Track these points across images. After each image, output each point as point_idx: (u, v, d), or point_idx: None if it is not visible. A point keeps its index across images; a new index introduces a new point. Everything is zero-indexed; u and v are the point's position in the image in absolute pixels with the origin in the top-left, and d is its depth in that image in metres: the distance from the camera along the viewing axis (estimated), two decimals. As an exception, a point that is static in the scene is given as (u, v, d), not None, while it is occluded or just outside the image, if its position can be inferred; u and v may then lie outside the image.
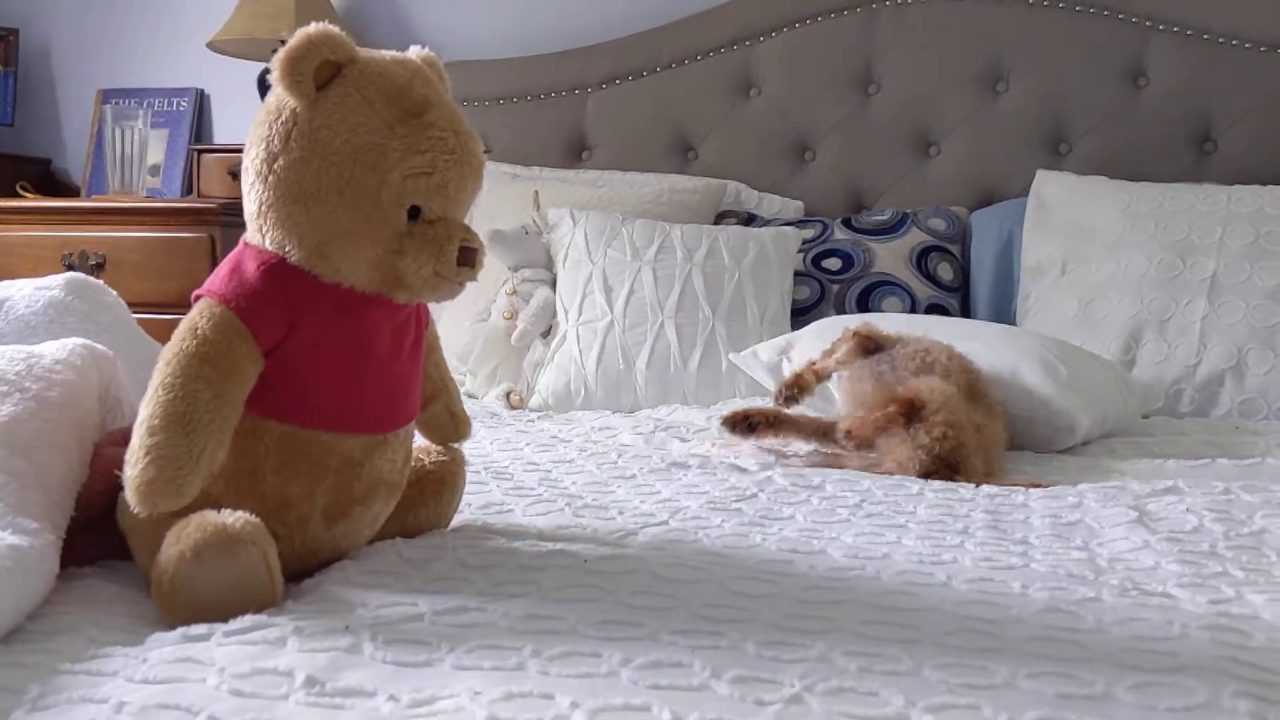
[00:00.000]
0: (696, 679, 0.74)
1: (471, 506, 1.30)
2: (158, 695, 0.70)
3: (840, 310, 2.47)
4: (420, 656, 0.78)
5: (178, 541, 0.89)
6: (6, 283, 1.37)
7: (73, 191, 3.49)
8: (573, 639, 0.81)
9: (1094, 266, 2.36)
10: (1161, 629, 0.88)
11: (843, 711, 0.70)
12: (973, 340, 1.87)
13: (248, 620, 0.84)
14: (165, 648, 0.79)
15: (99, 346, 1.16)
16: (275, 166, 0.97)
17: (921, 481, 1.53)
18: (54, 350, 1.11)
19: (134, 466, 0.91)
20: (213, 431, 0.92)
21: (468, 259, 1.00)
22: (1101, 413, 1.86)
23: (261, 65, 3.17)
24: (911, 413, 1.56)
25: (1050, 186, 2.54)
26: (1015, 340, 1.93)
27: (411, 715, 0.68)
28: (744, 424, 1.71)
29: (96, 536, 1.01)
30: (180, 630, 0.83)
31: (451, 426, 1.21)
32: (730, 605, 0.91)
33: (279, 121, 0.98)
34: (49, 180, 3.50)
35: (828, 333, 2.04)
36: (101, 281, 1.40)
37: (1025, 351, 1.86)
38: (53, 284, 1.36)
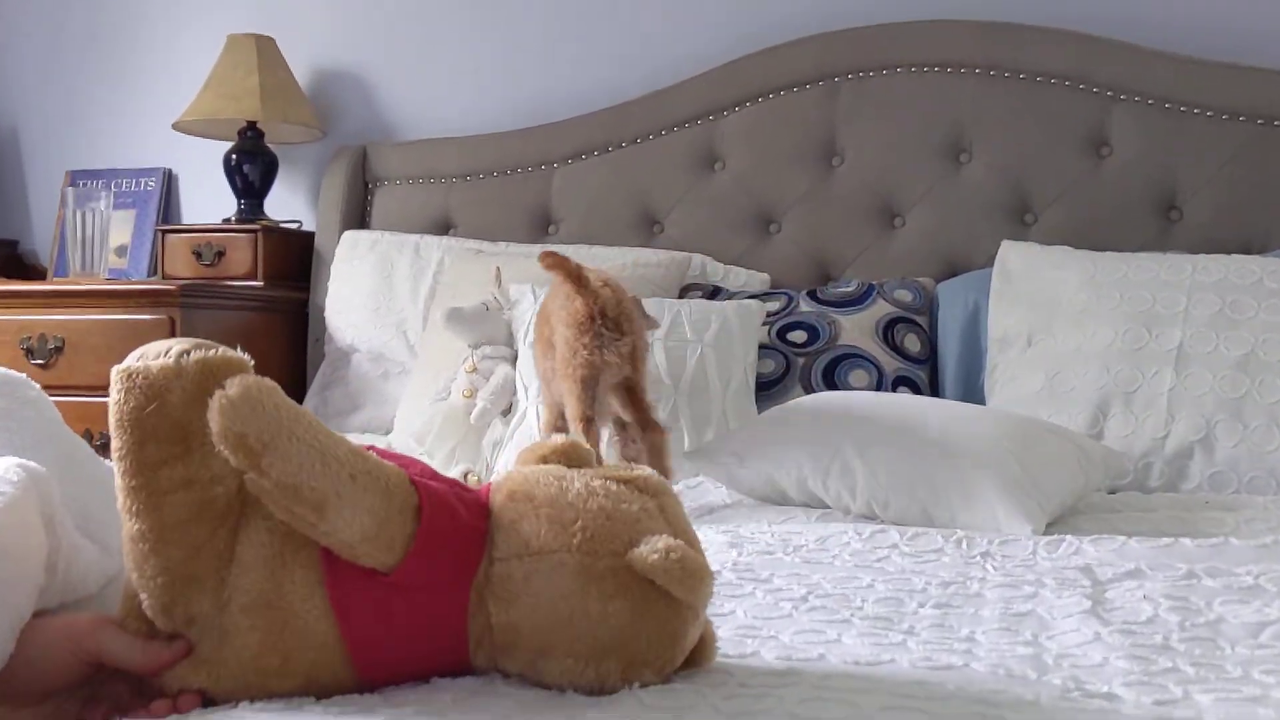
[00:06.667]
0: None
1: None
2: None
3: (806, 384, 2.44)
4: None
5: None
6: (-78, 375, 1.33)
7: (39, 274, 3.47)
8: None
9: (1060, 338, 2.33)
10: (1096, 738, 0.84)
11: None
12: (933, 429, 1.82)
13: None
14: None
15: (33, 464, 1.12)
16: None
17: (874, 573, 1.49)
18: None
19: None
20: None
21: None
22: (1060, 502, 1.80)
23: (227, 145, 3.16)
24: None
25: (1015, 257, 2.52)
26: (973, 427, 1.87)
27: None
28: None
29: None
30: None
31: None
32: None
33: None
34: (15, 262, 3.48)
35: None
36: (25, 376, 1.37)
37: (985, 459, 1.80)
38: (-29, 378, 1.32)
